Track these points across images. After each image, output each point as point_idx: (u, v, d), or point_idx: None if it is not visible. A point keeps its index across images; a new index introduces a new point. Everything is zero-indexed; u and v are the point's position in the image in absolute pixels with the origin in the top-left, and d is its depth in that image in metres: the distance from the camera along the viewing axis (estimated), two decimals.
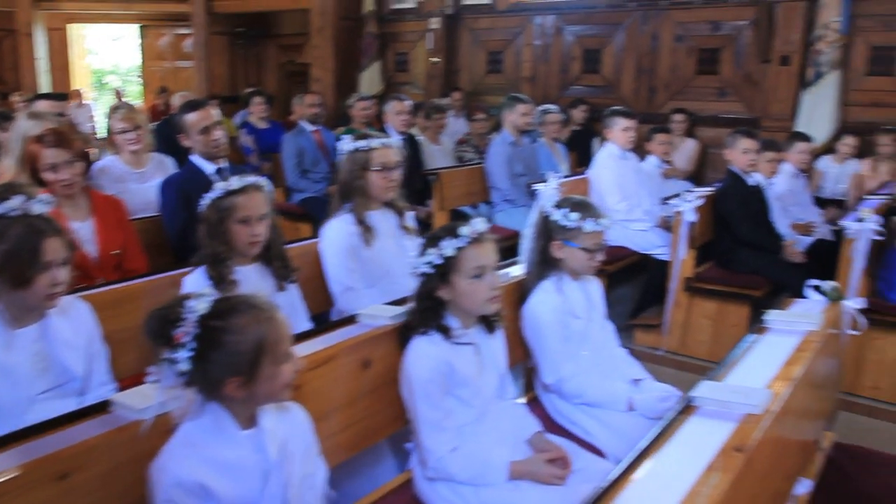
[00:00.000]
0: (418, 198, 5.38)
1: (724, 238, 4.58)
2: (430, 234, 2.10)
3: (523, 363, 2.68)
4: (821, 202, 6.04)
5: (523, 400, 2.66)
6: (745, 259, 4.47)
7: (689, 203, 4.30)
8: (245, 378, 1.51)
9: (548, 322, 2.46)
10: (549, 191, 2.66)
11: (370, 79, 9.31)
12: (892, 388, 3.96)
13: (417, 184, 5.46)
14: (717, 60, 7.31)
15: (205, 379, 1.52)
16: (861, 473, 2.36)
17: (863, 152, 6.28)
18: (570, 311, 2.50)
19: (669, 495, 1.34)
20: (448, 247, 2.01)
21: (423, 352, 2.02)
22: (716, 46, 7.29)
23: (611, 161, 5.07)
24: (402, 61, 9.51)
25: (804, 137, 5.58)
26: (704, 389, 1.70)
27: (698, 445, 1.51)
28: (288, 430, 1.65)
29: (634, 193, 5.09)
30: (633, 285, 5.19)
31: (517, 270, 2.70)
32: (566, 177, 5.13)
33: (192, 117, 3.45)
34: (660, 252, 4.83)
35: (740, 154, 4.53)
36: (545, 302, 2.48)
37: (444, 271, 2.02)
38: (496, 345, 2.21)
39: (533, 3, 8.47)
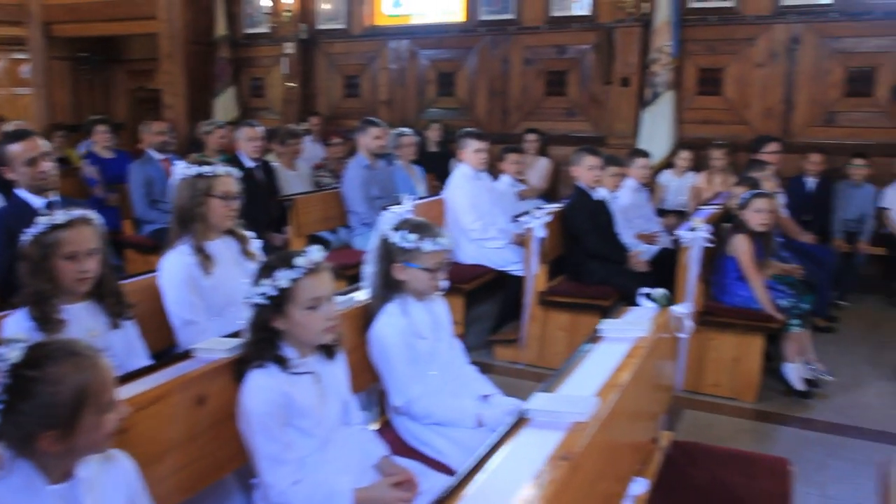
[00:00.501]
0: (275, 225, 5.28)
1: (573, 251, 4.77)
2: (263, 264, 2.06)
3: (374, 387, 2.67)
4: (664, 213, 6.44)
5: (376, 424, 2.65)
6: (593, 271, 4.68)
7: (539, 220, 4.46)
8: (62, 431, 1.42)
9: (394, 345, 2.46)
10: (390, 214, 2.68)
11: (225, 105, 9.09)
12: (731, 384, 4.25)
13: (274, 211, 5.36)
14: (565, 82, 7.67)
15: (15, 433, 1.42)
16: (695, 469, 2.50)
17: (699, 165, 6.76)
18: (416, 332, 2.51)
19: None
20: (282, 278, 1.97)
21: (259, 385, 1.97)
22: (562, 69, 7.66)
23: (464, 181, 5.18)
24: (258, 86, 9.35)
25: (643, 153, 5.94)
26: (536, 401, 1.75)
27: (528, 456, 1.54)
28: (109, 479, 1.55)
29: (489, 212, 5.22)
30: (493, 302, 5.30)
31: (362, 295, 2.69)
32: (421, 198, 5.20)
33: (15, 148, 3.23)
34: (515, 268, 4.96)
35: (586, 170, 4.76)
36: (390, 325, 2.48)
37: (278, 302, 1.98)
38: (337, 371, 2.18)
39: (387, 27, 8.58)
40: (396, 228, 2.51)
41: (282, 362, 1.99)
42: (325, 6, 8.66)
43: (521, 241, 4.84)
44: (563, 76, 7.66)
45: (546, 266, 4.60)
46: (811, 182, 6.35)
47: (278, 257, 2.03)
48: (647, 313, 2.51)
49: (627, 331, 2.31)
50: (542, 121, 7.69)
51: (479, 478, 1.48)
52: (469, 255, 5.10)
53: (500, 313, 5.09)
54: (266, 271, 2.00)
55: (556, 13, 7.59)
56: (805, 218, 6.11)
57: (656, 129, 7.00)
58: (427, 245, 2.44)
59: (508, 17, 7.79)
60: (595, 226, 4.74)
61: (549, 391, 1.86)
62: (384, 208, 4.81)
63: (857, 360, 4.83)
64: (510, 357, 4.72)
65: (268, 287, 1.97)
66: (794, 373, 4.25)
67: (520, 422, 1.71)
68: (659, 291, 2.58)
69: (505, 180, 5.87)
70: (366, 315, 2.56)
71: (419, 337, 2.52)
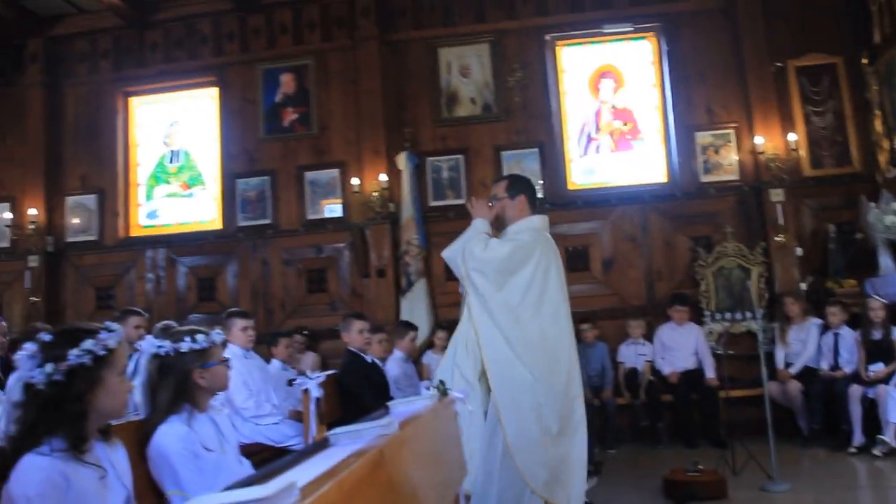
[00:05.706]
0: None
1: (352, 412, 4.81)
2: (56, 335, 1.90)
3: None
4: None
5: None
6: None
7: (313, 380, 4.51)
8: None
9: (176, 452, 2.32)
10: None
11: None
12: None
13: None
14: (325, 279, 8.06)
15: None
16: None
17: None
18: (202, 442, 2.41)
19: None
20: (108, 339, 1.91)
21: (36, 465, 1.75)
22: (321, 267, 8.08)
23: (234, 361, 5.09)
24: None
25: (412, 326, 6.25)
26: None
27: None
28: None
29: (262, 390, 5.15)
30: None
31: None
32: None
33: None
34: (295, 443, 4.86)
35: (356, 334, 4.99)
36: (169, 434, 2.37)
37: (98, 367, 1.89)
38: (121, 460, 2.02)
39: (142, 237, 8.54)
40: (175, 338, 2.48)
41: (77, 441, 1.81)
42: (75, 220, 8.47)
43: (297, 416, 4.80)
44: (323, 273, 8.06)
45: (325, 428, 4.57)
46: None
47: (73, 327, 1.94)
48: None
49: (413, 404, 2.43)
50: (307, 317, 7.90)
51: None
52: (244, 434, 4.92)
53: None
54: (66, 341, 1.86)
55: (311, 217, 8.13)
56: None
57: (414, 314, 7.48)
58: (218, 338, 2.46)
59: (266, 222, 8.18)
60: (371, 386, 4.87)
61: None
62: None
63: (621, 491, 5.24)
64: None
65: (89, 350, 1.84)
66: None
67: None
68: (437, 381, 2.76)
69: (276, 365, 5.88)
70: (142, 433, 2.41)
71: (206, 448, 2.42)
